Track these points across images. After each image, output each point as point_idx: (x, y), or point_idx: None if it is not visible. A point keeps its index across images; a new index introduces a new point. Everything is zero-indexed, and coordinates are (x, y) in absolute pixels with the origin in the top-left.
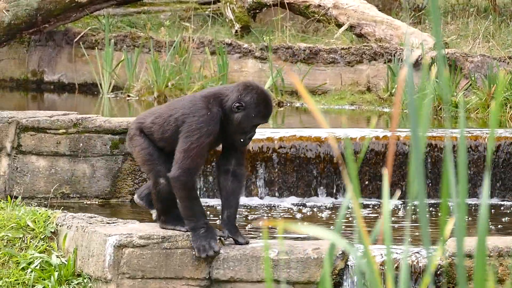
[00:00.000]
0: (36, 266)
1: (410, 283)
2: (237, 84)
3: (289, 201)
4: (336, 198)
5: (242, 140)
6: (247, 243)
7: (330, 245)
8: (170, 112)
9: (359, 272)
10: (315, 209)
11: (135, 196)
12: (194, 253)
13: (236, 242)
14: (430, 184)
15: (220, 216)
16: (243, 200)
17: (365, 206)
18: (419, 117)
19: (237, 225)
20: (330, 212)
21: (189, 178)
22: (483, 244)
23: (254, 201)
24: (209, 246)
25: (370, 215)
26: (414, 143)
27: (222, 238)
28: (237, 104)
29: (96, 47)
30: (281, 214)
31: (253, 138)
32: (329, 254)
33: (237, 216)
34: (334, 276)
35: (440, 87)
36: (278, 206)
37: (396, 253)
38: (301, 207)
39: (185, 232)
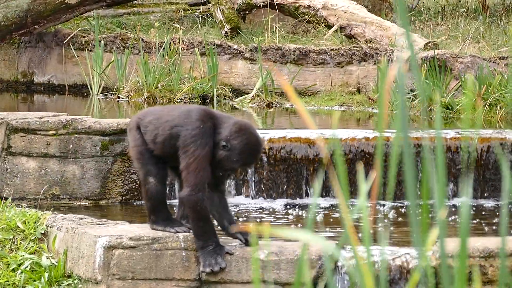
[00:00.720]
0: (26, 267)
1: (400, 283)
2: (235, 122)
3: (279, 202)
4: (325, 198)
5: (221, 174)
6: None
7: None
8: (167, 117)
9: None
10: (305, 210)
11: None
12: (200, 269)
13: (242, 239)
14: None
15: (220, 228)
16: (231, 201)
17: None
18: (404, 118)
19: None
20: (321, 212)
21: (198, 195)
22: (465, 245)
23: (243, 202)
24: (215, 262)
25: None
26: (405, 144)
27: (230, 253)
28: (223, 143)
29: (86, 49)
30: (271, 215)
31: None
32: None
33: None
34: (324, 277)
35: (429, 88)
36: (267, 208)
37: (386, 253)
38: (291, 208)
39: (174, 233)
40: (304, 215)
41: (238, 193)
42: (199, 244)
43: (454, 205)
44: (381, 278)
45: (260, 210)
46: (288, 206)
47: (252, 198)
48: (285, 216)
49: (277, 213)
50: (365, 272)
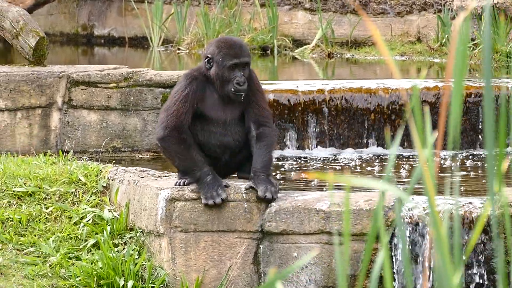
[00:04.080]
0: (89, 220)
1: (462, 232)
2: None
3: (339, 152)
4: (387, 149)
5: (232, 90)
6: (265, 198)
7: (380, 194)
8: None
9: (400, 222)
10: (366, 160)
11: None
12: (202, 201)
13: (257, 193)
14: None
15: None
16: (293, 152)
17: (413, 157)
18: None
19: (267, 178)
20: (381, 163)
21: (165, 133)
22: None
23: (304, 153)
24: (217, 194)
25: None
26: (487, 92)
27: (227, 186)
28: (206, 59)
29: (145, 1)
30: (332, 165)
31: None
32: (379, 203)
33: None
34: (386, 228)
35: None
36: (329, 158)
37: (449, 203)
38: (352, 158)
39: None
40: (362, 165)
41: (300, 144)
42: (195, 177)
43: None
44: (454, 227)
45: (322, 161)
46: (348, 156)
47: (312, 149)
48: (345, 166)
49: (337, 163)
50: (439, 221)
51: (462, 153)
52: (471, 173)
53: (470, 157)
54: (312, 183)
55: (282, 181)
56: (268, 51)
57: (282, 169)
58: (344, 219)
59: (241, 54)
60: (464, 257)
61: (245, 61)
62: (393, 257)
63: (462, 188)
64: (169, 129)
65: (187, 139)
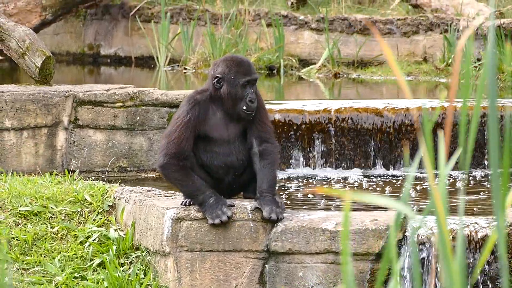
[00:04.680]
0: (94, 240)
1: (467, 253)
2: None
3: (346, 173)
4: (393, 169)
5: (244, 108)
6: (270, 219)
7: (396, 214)
8: None
9: (413, 243)
10: (372, 180)
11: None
12: (208, 222)
13: (262, 214)
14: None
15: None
16: (298, 172)
17: (421, 178)
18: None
19: (273, 198)
20: (388, 183)
21: (165, 161)
22: None
23: (310, 172)
24: (222, 212)
25: (425, 185)
26: (491, 113)
27: (232, 205)
28: (215, 80)
29: (152, 21)
30: (338, 185)
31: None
32: (395, 223)
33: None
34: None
35: (495, 57)
36: (335, 178)
37: (454, 223)
38: (358, 178)
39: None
40: (368, 185)
41: (305, 163)
42: (198, 201)
43: None
44: (458, 247)
45: (326, 181)
46: (355, 176)
47: (318, 169)
48: (352, 187)
49: (346, 183)
50: (447, 241)
51: (465, 173)
52: (481, 193)
53: (478, 177)
54: (318, 204)
55: (288, 201)
56: (275, 71)
57: (289, 190)
58: (342, 238)
59: (252, 71)
60: (471, 278)
61: (256, 78)
62: (402, 277)
63: (467, 208)
64: (169, 156)
65: (188, 165)
